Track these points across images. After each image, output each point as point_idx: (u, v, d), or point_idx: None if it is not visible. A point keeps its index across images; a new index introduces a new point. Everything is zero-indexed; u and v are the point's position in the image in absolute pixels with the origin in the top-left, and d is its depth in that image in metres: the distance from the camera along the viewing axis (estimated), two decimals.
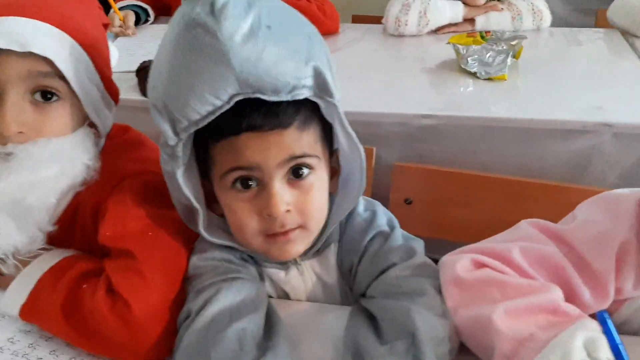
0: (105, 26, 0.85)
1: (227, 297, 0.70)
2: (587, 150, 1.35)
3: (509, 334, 0.65)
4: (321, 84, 0.67)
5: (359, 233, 0.80)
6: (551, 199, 1.20)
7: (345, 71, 1.66)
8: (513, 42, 1.58)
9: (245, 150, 0.67)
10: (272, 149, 0.67)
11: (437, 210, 1.27)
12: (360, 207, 0.83)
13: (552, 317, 0.66)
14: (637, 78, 1.55)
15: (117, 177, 0.80)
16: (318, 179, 0.73)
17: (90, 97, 0.78)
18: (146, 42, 1.83)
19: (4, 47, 0.69)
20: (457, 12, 1.86)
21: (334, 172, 0.80)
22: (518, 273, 0.72)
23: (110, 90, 0.83)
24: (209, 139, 0.69)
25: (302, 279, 0.82)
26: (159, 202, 0.78)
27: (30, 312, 0.75)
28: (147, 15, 2.04)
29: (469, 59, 1.56)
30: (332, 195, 0.80)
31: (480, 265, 0.73)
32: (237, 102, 0.64)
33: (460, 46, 1.58)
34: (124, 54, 1.72)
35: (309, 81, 0.66)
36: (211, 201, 0.77)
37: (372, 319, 0.72)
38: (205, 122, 0.66)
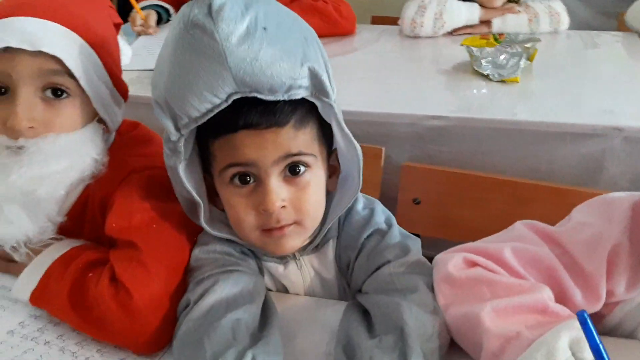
0: (117, 26, 0.88)
1: (224, 288, 0.73)
2: (597, 154, 1.34)
3: (497, 331, 0.66)
4: (317, 85, 0.69)
5: (356, 230, 0.82)
6: (559, 202, 1.20)
7: (359, 72, 1.68)
8: (527, 45, 1.58)
9: (243, 147, 0.69)
10: (269, 147, 0.69)
11: (446, 211, 1.28)
12: (360, 205, 0.84)
13: (540, 317, 0.67)
14: None
15: (125, 172, 0.84)
16: (314, 176, 0.75)
17: (99, 94, 0.81)
18: None
19: (15, 46, 0.73)
20: (474, 14, 1.86)
21: (334, 171, 0.82)
22: (509, 273, 0.73)
23: (119, 87, 0.87)
24: (209, 136, 0.72)
25: (300, 274, 0.84)
26: (164, 196, 0.81)
27: (39, 298, 0.79)
28: (169, 14, 2.08)
29: (482, 61, 1.56)
30: (331, 193, 0.82)
31: (472, 264, 0.75)
32: (235, 101, 0.67)
33: (474, 48, 1.58)
34: (144, 53, 1.76)
35: (305, 81, 0.68)
36: (213, 195, 0.80)
37: (366, 314, 0.74)
38: (205, 119, 0.68)
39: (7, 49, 0.74)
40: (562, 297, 0.71)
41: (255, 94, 0.66)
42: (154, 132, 0.94)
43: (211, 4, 0.65)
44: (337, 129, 0.75)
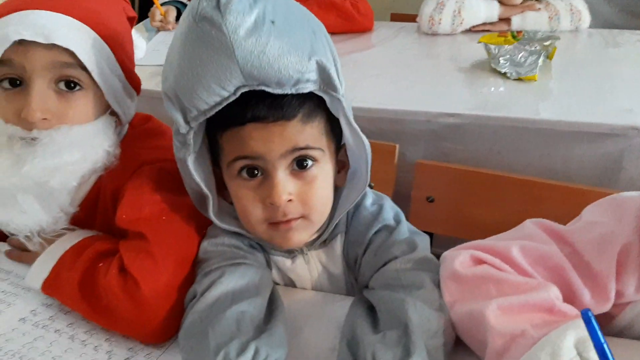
0: (131, 19, 0.89)
1: (231, 281, 0.73)
2: (615, 154, 1.32)
3: (502, 330, 0.65)
4: (325, 79, 0.69)
5: (364, 226, 0.82)
6: (575, 202, 1.17)
7: (376, 69, 1.68)
8: (546, 43, 1.56)
9: (250, 140, 0.70)
10: (276, 140, 0.70)
11: (459, 210, 1.27)
12: (368, 201, 0.84)
13: (547, 315, 0.66)
14: None
15: (136, 164, 0.85)
16: (322, 171, 0.75)
17: (111, 87, 0.82)
18: None
19: (29, 38, 0.74)
20: (493, 12, 1.85)
21: (342, 166, 0.82)
22: (516, 271, 0.72)
23: (132, 81, 0.88)
24: (218, 128, 0.73)
25: (308, 268, 0.84)
26: (174, 188, 0.82)
27: (51, 287, 0.80)
28: None
29: (500, 58, 1.55)
30: (339, 188, 0.82)
31: (479, 261, 0.74)
32: (243, 94, 0.67)
33: (491, 46, 1.57)
34: (163, 48, 1.78)
35: (312, 75, 0.68)
36: (222, 189, 0.80)
37: (371, 310, 0.74)
38: (214, 112, 0.69)
39: (21, 42, 0.75)
40: (570, 297, 0.70)
41: (263, 88, 0.67)
42: (167, 125, 0.95)
43: None
44: (346, 124, 0.75)
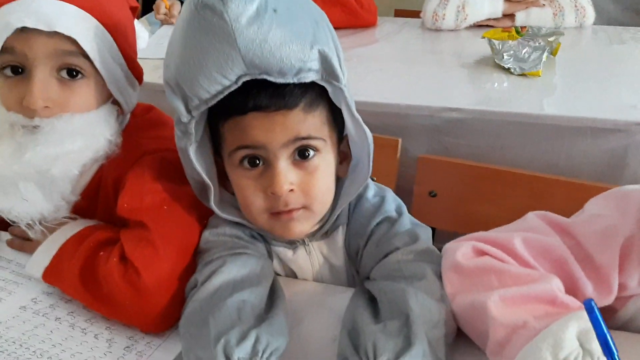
0: (133, 9, 0.89)
1: (232, 270, 0.73)
2: (619, 150, 1.32)
3: (503, 320, 0.65)
4: (328, 68, 0.69)
5: (366, 217, 0.82)
6: (578, 197, 1.17)
7: (379, 63, 1.67)
8: (550, 39, 1.56)
9: (251, 129, 0.70)
10: (277, 129, 0.69)
11: (462, 205, 1.27)
12: (370, 193, 0.84)
13: (549, 307, 0.66)
14: None
15: (138, 153, 0.85)
16: (324, 161, 0.75)
17: (113, 75, 0.82)
18: None
19: (31, 26, 0.74)
20: (497, 7, 1.84)
21: (344, 157, 0.82)
22: (519, 262, 0.72)
23: (134, 70, 0.88)
24: (219, 118, 0.73)
25: (309, 259, 0.84)
26: (175, 178, 0.82)
27: (52, 275, 0.81)
28: None
29: (504, 54, 1.55)
30: (341, 179, 0.82)
31: (481, 253, 0.74)
32: (245, 83, 0.67)
33: (495, 41, 1.56)
34: (166, 41, 1.78)
35: (315, 64, 0.68)
36: (224, 179, 0.80)
37: (372, 301, 0.74)
38: (215, 101, 0.69)
39: (24, 29, 0.75)
40: (572, 289, 0.70)
41: (265, 76, 0.66)
42: (168, 115, 0.95)
43: None
44: (348, 114, 0.75)
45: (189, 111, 0.70)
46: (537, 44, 1.53)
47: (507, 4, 1.85)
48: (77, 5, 0.78)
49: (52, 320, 0.78)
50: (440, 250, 0.79)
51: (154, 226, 0.77)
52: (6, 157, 0.78)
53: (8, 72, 0.78)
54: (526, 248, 0.73)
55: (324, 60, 0.68)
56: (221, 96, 0.68)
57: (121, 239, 0.78)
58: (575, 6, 1.83)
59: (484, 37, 1.61)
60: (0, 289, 0.83)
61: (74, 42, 0.77)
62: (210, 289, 0.71)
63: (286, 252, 0.83)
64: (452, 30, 1.88)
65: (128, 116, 0.91)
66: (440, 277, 0.74)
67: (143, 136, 0.88)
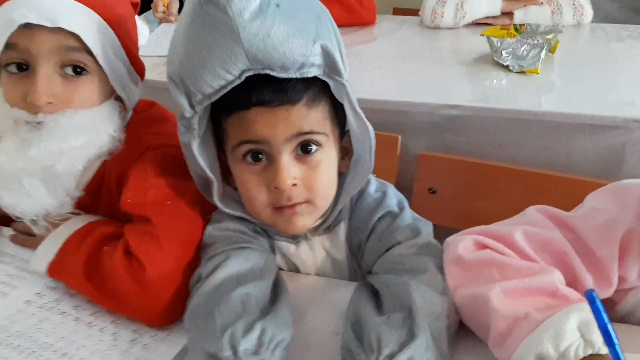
0: (135, 5, 0.89)
1: (235, 264, 0.74)
2: (617, 147, 1.33)
3: (505, 312, 0.66)
4: (330, 63, 0.70)
5: (368, 212, 0.82)
6: (577, 194, 1.18)
7: (378, 61, 1.68)
8: (549, 36, 1.56)
9: (255, 124, 0.70)
10: (280, 124, 0.70)
11: (461, 201, 1.28)
12: (372, 188, 0.85)
13: (550, 299, 0.67)
14: None
15: (141, 149, 0.85)
16: (326, 156, 0.75)
17: (116, 71, 0.83)
18: None
19: (35, 22, 0.74)
20: (495, 5, 1.85)
21: (346, 152, 0.82)
22: (519, 255, 0.73)
23: (136, 66, 0.88)
24: (222, 113, 0.73)
25: (312, 254, 0.85)
26: (178, 173, 0.82)
27: (56, 270, 0.81)
28: None
29: (503, 51, 1.55)
30: (343, 174, 0.82)
31: (482, 246, 0.75)
32: (248, 78, 0.68)
33: (494, 39, 1.57)
34: (165, 39, 1.78)
35: (317, 59, 0.68)
36: (227, 174, 0.81)
37: (375, 294, 0.74)
38: (218, 96, 0.69)
39: (27, 25, 0.75)
40: (573, 282, 0.71)
41: (268, 71, 0.67)
42: (170, 111, 0.96)
43: None
44: (350, 109, 0.75)
45: (192, 106, 0.71)
46: (535, 42, 1.54)
47: (506, 2, 1.86)
48: (80, 1, 0.78)
49: (57, 314, 0.79)
50: (441, 244, 0.80)
51: (158, 221, 0.77)
52: (10, 154, 0.79)
53: (12, 68, 0.78)
54: (527, 241, 0.74)
55: (327, 56, 0.69)
56: (224, 91, 0.69)
57: (125, 233, 0.79)
58: (574, 4, 1.84)
59: (482, 35, 1.62)
60: (4, 284, 0.84)
61: (77, 38, 0.77)
62: (214, 283, 0.72)
63: (289, 247, 0.84)
64: (450, 28, 1.89)
65: (130, 112, 0.91)
66: (442, 271, 0.74)
67: (145, 132, 0.88)
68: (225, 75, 0.67)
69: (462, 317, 0.73)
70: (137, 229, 0.78)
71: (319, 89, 0.72)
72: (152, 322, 0.76)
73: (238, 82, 0.68)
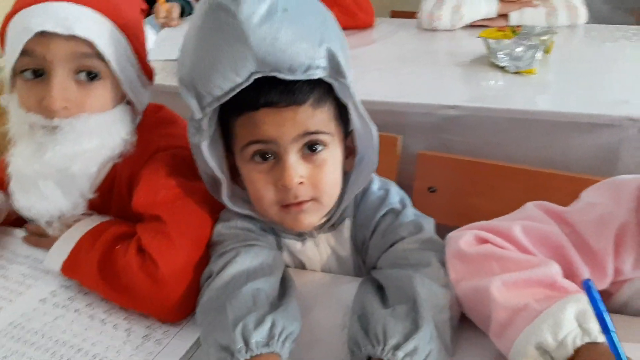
0: (143, 11, 0.92)
1: (245, 261, 0.76)
2: (612, 145, 1.35)
3: (505, 304, 0.68)
4: (335, 66, 0.72)
5: (372, 210, 0.85)
6: (574, 191, 1.21)
7: (377, 63, 1.71)
8: (544, 37, 1.59)
9: (263, 124, 0.73)
10: (287, 124, 0.73)
11: (460, 199, 1.30)
12: (375, 186, 0.87)
13: (549, 290, 0.69)
14: None
15: (151, 151, 0.88)
16: (331, 155, 0.78)
17: (127, 76, 0.85)
18: None
19: (50, 30, 0.77)
20: (492, 7, 1.88)
21: (350, 152, 0.85)
22: (518, 249, 0.75)
23: (146, 70, 0.91)
24: (231, 114, 0.76)
25: (317, 251, 0.87)
26: (187, 174, 0.85)
27: (70, 268, 0.84)
28: (191, 7, 2.14)
29: (499, 53, 1.58)
30: (348, 173, 0.85)
31: (482, 240, 0.77)
32: (256, 80, 0.70)
33: (491, 40, 1.60)
34: (167, 44, 1.81)
35: (322, 62, 0.71)
36: (235, 174, 0.83)
37: (380, 288, 0.77)
38: (227, 98, 0.72)
39: (43, 33, 0.78)
40: (570, 274, 0.73)
41: (275, 74, 0.69)
42: (177, 114, 0.98)
43: None
44: (353, 110, 0.78)
45: (202, 108, 0.73)
46: (531, 43, 1.57)
47: (502, 4, 1.89)
48: (93, 8, 0.81)
49: (71, 311, 0.81)
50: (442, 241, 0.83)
51: (169, 219, 0.80)
52: (27, 157, 0.82)
53: (28, 74, 0.81)
54: (526, 235, 0.76)
55: (332, 58, 0.72)
56: (233, 93, 0.71)
57: (138, 232, 0.81)
58: (568, 6, 1.88)
59: (479, 37, 1.65)
60: (19, 283, 0.87)
61: (90, 44, 0.80)
62: (225, 279, 0.74)
63: (295, 244, 0.86)
64: (448, 30, 1.92)
65: (140, 115, 0.94)
66: (444, 265, 0.77)
67: (155, 134, 0.91)
68: (234, 77, 0.70)
69: (464, 309, 0.75)
70: (150, 227, 0.81)
71: (324, 90, 0.75)
72: (164, 318, 0.79)
73: (246, 84, 0.70)
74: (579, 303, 0.66)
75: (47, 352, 0.74)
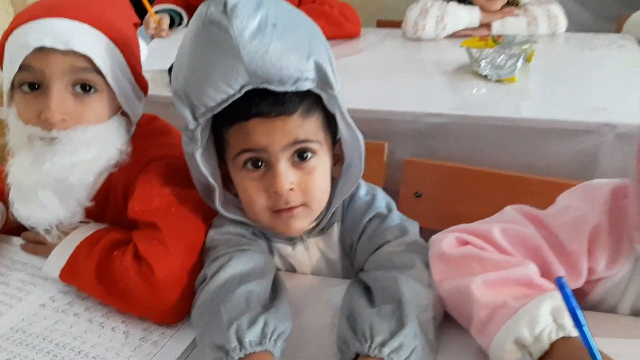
0: (136, 25, 0.95)
1: (238, 265, 0.80)
2: (591, 150, 1.40)
3: (485, 302, 0.72)
4: (322, 77, 0.76)
5: (359, 214, 0.89)
6: (555, 195, 1.25)
7: (364, 72, 1.75)
8: (525, 46, 1.64)
9: (254, 134, 0.76)
10: (278, 134, 0.76)
11: (445, 204, 1.34)
12: (362, 191, 0.91)
13: (526, 289, 0.73)
14: None
15: (145, 160, 0.91)
16: (320, 162, 0.82)
17: (122, 89, 0.89)
18: (179, 44, 1.95)
19: (49, 45, 0.80)
20: (474, 17, 1.93)
21: (338, 159, 0.89)
22: (498, 250, 0.79)
23: (140, 83, 0.94)
24: (224, 124, 0.79)
25: (307, 254, 0.91)
26: (181, 182, 0.88)
27: (68, 274, 0.87)
28: (181, 18, 2.16)
29: (481, 62, 1.63)
30: (336, 179, 0.89)
31: (463, 242, 0.81)
32: (247, 92, 0.74)
33: (473, 50, 1.65)
34: (158, 54, 1.84)
35: (311, 74, 0.75)
36: (227, 182, 0.87)
37: (367, 290, 0.80)
38: (220, 109, 0.75)
39: (41, 48, 0.81)
40: (547, 274, 0.77)
41: (266, 85, 0.73)
42: (170, 124, 1.01)
43: (226, 3, 0.72)
44: (341, 119, 0.82)
45: (195, 118, 0.77)
46: (512, 52, 1.62)
47: (484, 14, 1.93)
48: (90, 24, 0.84)
49: (70, 315, 0.84)
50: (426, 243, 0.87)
51: (164, 226, 0.83)
52: (26, 168, 0.84)
53: (25, 88, 0.84)
54: (504, 237, 0.80)
55: (319, 70, 0.76)
56: (226, 104, 0.75)
57: (134, 238, 0.84)
58: (548, 15, 1.93)
59: (462, 46, 1.69)
60: (19, 290, 0.89)
61: (87, 59, 0.83)
62: (219, 282, 0.78)
63: (286, 248, 0.90)
64: (432, 39, 1.96)
65: (134, 126, 0.97)
66: (428, 266, 0.81)
67: (149, 144, 0.94)
68: (227, 89, 0.73)
69: (447, 307, 0.79)
70: (145, 234, 0.84)
71: (313, 101, 0.78)
72: (161, 320, 0.82)
73: (238, 95, 0.74)
74: (554, 300, 0.69)
75: (49, 355, 0.77)
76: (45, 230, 0.88)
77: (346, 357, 0.72)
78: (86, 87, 0.85)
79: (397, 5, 2.31)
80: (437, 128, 1.46)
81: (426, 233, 1.36)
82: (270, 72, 0.72)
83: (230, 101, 0.75)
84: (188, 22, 2.29)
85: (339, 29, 1.96)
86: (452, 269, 0.79)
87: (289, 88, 0.74)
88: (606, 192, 0.81)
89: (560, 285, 0.63)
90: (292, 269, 0.92)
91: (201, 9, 0.75)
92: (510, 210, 0.86)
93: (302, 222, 0.83)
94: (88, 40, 0.83)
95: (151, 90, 1.36)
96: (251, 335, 0.70)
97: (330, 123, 0.83)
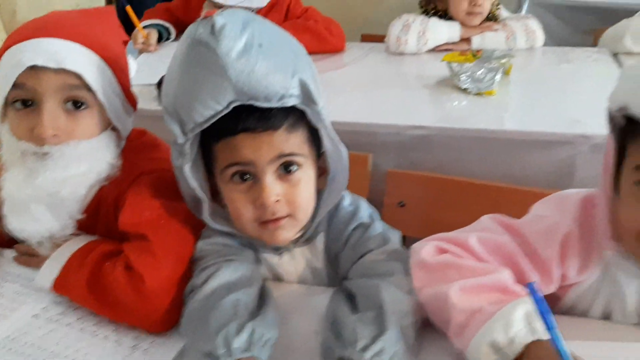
0: (125, 43, 0.99)
1: (225, 274, 0.83)
2: (567, 160, 1.44)
3: (463, 307, 0.76)
4: (306, 94, 0.80)
5: (343, 224, 0.92)
6: (531, 203, 1.28)
7: (348, 86, 1.78)
8: (503, 60, 1.69)
9: (241, 148, 0.80)
10: (264, 148, 0.80)
11: (428, 213, 1.37)
12: (346, 202, 0.94)
13: (501, 295, 0.77)
14: None
15: (135, 174, 0.94)
16: (305, 174, 0.85)
17: (113, 105, 0.92)
18: (166, 58, 1.95)
19: (42, 64, 0.83)
20: (454, 32, 1.98)
21: (323, 171, 0.92)
22: (474, 258, 0.83)
23: (130, 99, 0.97)
24: (212, 139, 0.82)
25: (293, 264, 0.94)
26: (170, 195, 0.91)
27: (61, 285, 0.89)
28: (169, 33, 2.19)
29: (461, 75, 1.67)
30: (321, 191, 0.92)
31: (442, 251, 0.85)
32: (234, 108, 0.77)
33: (453, 64, 1.69)
34: (146, 69, 1.86)
35: (295, 91, 0.79)
36: (215, 194, 0.90)
37: (350, 297, 0.83)
38: (208, 124, 0.79)
39: (34, 67, 0.84)
40: (521, 280, 0.81)
41: (252, 102, 0.77)
42: (159, 138, 1.04)
43: (214, 24, 0.76)
44: (325, 133, 0.85)
45: (185, 133, 0.80)
46: (491, 66, 1.66)
47: (464, 29, 1.99)
48: (81, 43, 0.87)
49: (63, 325, 0.86)
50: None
51: (154, 238, 0.86)
52: (19, 182, 0.87)
53: (18, 105, 0.87)
54: (481, 245, 0.84)
55: (303, 87, 0.79)
56: (214, 120, 0.78)
57: (124, 250, 0.87)
58: (526, 30, 1.98)
59: (443, 61, 1.74)
60: (12, 300, 0.91)
61: (79, 76, 0.86)
62: (207, 291, 0.80)
63: (273, 258, 0.93)
64: (414, 54, 2.00)
65: (124, 141, 0.99)
66: (409, 274, 0.84)
67: (139, 158, 0.97)
68: (215, 106, 0.77)
69: (427, 313, 0.82)
70: (135, 245, 0.86)
71: (298, 116, 0.82)
72: (151, 329, 0.84)
73: (226, 111, 0.77)
74: (527, 305, 0.73)
75: None
76: (38, 242, 0.91)
77: None
78: (77, 104, 0.88)
79: (382, 19, 2.36)
80: (419, 140, 1.50)
81: (410, 241, 1.39)
82: (256, 90, 0.76)
83: (218, 117, 0.78)
84: (176, 37, 2.35)
85: (324, 44, 2.00)
86: (432, 276, 0.82)
87: (275, 104, 0.77)
88: (577, 201, 0.85)
89: (530, 289, 0.67)
90: (279, 278, 0.95)
91: (191, 29, 0.79)
92: (486, 220, 0.90)
93: (288, 232, 0.87)
94: (79, 59, 0.86)
95: (140, 104, 1.38)
96: (239, 342, 0.73)
97: (314, 137, 0.87)
